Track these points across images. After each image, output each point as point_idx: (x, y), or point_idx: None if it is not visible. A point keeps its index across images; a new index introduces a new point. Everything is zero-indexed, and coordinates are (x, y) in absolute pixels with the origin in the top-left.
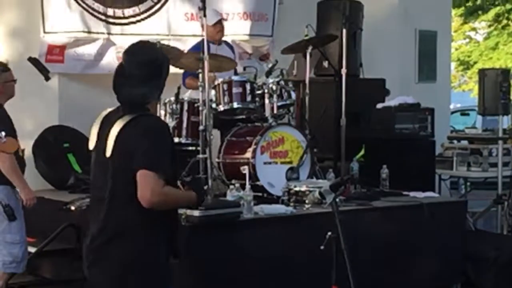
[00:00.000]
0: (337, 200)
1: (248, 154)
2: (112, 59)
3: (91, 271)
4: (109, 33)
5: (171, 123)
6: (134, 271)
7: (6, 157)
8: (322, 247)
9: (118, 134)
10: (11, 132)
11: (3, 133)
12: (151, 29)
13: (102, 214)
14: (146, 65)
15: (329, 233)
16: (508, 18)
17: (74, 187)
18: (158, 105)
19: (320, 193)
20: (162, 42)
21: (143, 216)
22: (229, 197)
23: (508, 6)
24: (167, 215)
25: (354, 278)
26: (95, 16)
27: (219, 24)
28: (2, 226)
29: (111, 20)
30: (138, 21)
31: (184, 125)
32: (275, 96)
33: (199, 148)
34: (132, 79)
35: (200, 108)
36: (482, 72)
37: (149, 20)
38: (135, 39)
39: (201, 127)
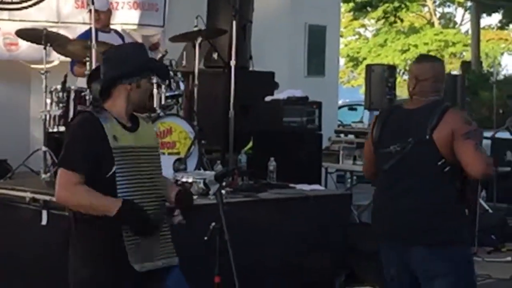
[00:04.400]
0: (222, 191)
1: None
2: None
3: None
4: None
5: (57, 111)
6: None
7: None
8: (205, 238)
9: None
10: None
11: None
12: (40, 15)
13: None
14: None
15: (213, 224)
16: (395, 15)
17: None
18: (44, 94)
19: (204, 184)
20: (50, 29)
21: None
22: None
23: (396, 3)
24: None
25: (237, 269)
26: None
27: (109, 11)
28: None
29: None
30: (29, 6)
31: (71, 114)
32: (163, 86)
33: None
34: None
35: (87, 97)
36: (369, 68)
37: (39, 6)
38: (24, 25)
39: None
